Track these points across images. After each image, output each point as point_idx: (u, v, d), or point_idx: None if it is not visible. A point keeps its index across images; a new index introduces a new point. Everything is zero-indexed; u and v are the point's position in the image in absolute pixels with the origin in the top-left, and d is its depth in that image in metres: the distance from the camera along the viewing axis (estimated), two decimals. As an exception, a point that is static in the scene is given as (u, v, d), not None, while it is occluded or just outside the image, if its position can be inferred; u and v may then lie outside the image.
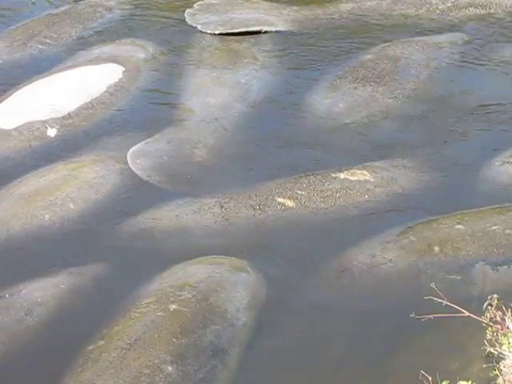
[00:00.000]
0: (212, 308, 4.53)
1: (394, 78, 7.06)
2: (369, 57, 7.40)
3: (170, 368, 4.09)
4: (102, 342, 4.30)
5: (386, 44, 7.65)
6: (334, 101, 6.82)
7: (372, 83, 6.96)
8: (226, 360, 4.29)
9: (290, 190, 5.61)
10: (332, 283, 4.94)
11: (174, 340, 4.24)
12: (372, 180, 5.69)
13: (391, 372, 4.16)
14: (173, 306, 4.46)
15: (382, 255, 5.05)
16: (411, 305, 4.29)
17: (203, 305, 4.53)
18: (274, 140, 6.37)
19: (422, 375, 3.49)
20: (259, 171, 5.97)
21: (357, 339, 4.51)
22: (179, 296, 4.56)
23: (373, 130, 6.52)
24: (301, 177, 5.75)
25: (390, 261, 5.01)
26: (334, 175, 5.73)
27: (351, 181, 5.67)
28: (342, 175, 5.72)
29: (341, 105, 6.76)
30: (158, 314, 4.42)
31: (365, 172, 5.75)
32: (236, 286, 4.80)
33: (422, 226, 5.27)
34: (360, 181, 5.68)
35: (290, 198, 5.52)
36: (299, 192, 5.58)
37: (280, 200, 5.50)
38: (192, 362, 4.16)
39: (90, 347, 4.28)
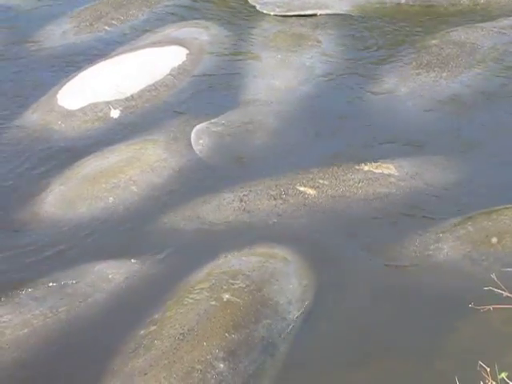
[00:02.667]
0: (264, 300, 4.48)
1: (459, 64, 6.93)
2: (434, 42, 7.28)
3: (221, 365, 4.06)
4: (154, 328, 4.29)
5: (452, 29, 7.50)
6: (395, 86, 6.71)
7: (436, 68, 6.84)
8: (275, 355, 4.25)
9: (319, 179, 5.51)
10: (384, 272, 4.89)
11: (227, 335, 4.19)
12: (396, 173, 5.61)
13: (448, 362, 4.12)
14: (226, 296, 4.42)
15: (438, 245, 4.98)
16: (468, 295, 4.22)
17: (256, 296, 4.48)
18: (335, 125, 6.33)
19: (480, 366, 3.46)
20: (315, 156, 5.89)
21: (411, 328, 4.46)
22: (232, 285, 4.52)
23: (430, 117, 6.39)
24: (338, 166, 5.65)
25: (446, 250, 4.93)
26: (361, 167, 5.61)
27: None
28: (367, 167, 5.62)
29: (403, 90, 6.66)
30: (211, 303, 4.39)
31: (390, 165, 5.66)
32: (289, 278, 4.74)
33: (480, 217, 5.15)
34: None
35: (312, 187, 5.44)
36: (323, 181, 5.50)
37: (302, 188, 5.43)
38: (243, 359, 4.13)
39: (142, 332, 4.29)
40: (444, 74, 6.79)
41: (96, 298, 4.63)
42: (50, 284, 4.68)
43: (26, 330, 4.36)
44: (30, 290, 4.64)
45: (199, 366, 4.02)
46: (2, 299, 4.56)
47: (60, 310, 4.51)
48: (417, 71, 6.86)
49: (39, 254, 5.04)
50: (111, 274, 4.79)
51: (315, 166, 5.68)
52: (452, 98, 6.58)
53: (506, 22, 7.67)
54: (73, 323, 4.47)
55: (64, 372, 4.24)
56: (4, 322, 4.40)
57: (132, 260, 4.94)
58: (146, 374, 3.99)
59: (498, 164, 5.78)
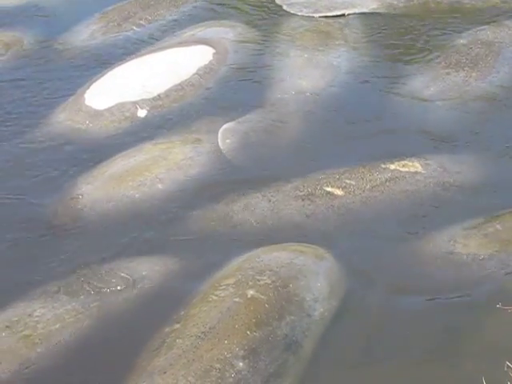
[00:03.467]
0: (290, 296, 4.44)
1: (488, 64, 6.89)
2: (461, 41, 7.24)
3: (241, 364, 4.03)
4: (178, 326, 4.29)
5: (480, 28, 7.47)
6: (424, 85, 6.70)
7: (466, 68, 6.80)
8: (298, 353, 4.21)
9: (345, 179, 5.51)
10: (412, 271, 4.85)
11: (248, 332, 4.17)
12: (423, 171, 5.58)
13: (474, 362, 4.09)
14: (250, 292, 4.39)
15: (465, 243, 4.95)
16: (495, 294, 4.27)
17: (281, 292, 4.44)
18: (361, 124, 6.29)
19: (508, 366, 3.46)
20: (342, 156, 5.88)
21: (437, 327, 4.44)
22: (258, 281, 4.49)
23: (459, 116, 6.35)
24: (364, 165, 5.64)
25: (473, 249, 4.90)
26: (388, 166, 5.61)
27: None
28: (393, 166, 5.62)
29: (432, 89, 6.64)
30: (235, 299, 4.36)
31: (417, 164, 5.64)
32: (316, 275, 4.72)
33: (508, 215, 5.11)
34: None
35: (339, 187, 5.44)
36: (350, 181, 5.49)
37: (329, 189, 5.43)
38: (264, 358, 4.09)
39: (167, 329, 4.30)
40: (474, 74, 6.74)
41: (127, 295, 4.65)
42: (82, 280, 4.72)
43: (57, 325, 4.40)
44: (62, 285, 4.68)
45: (218, 365, 4.00)
46: (36, 294, 4.61)
47: (91, 305, 4.54)
48: (446, 71, 6.82)
49: (69, 250, 5.09)
50: (144, 271, 4.81)
51: (342, 166, 5.66)
52: (481, 98, 6.53)
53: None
54: (103, 319, 4.50)
55: (90, 367, 4.26)
56: (37, 316, 4.44)
57: (161, 257, 4.96)
58: (165, 373, 3.99)
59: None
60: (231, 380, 3.97)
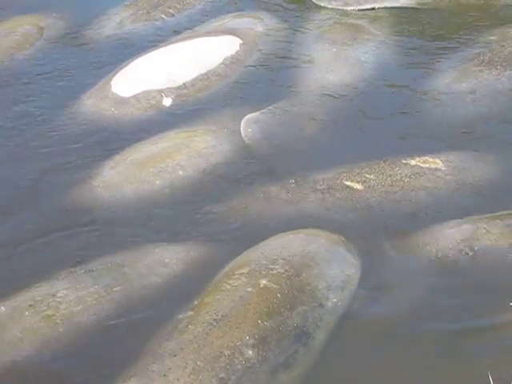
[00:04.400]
0: (302, 286, 4.43)
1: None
2: (493, 38, 7.19)
3: (250, 352, 4.05)
4: (192, 313, 4.32)
5: (509, 25, 7.42)
6: (455, 82, 6.67)
7: (498, 66, 6.76)
8: (309, 344, 4.20)
9: (366, 173, 5.52)
10: (426, 263, 4.84)
11: (259, 322, 4.18)
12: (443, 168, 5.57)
13: (478, 359, 4.10)
14: (263, 282, 4.40)
15: (487, 229, 4.92)
16: (505, 293, 4.30)
17: (294, 282, 4.43)
18: (386, 120, 6.30)
19: None
20: (363, 151, 5.87)
21: (449, 318, 4.43)
22: (271, 270, 4.49)
23: (488, 114, 6.31)
24: (385, 160, 5.64)
25: (489, 244, 4.85)
26: (408, 162, 5.61)
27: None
28: (414, 161, 5.61)
29: (463, 85, 6.60)
30: (248, 289, 4.37)
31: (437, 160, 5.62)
32: (330, 263, 4.71)
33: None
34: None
35: (359, 182, 5.43)
36: (369, 176, 5.49)
37: (349, 183, 5.44)
38: (273, 347, 4.10)
39: (180, 316, 4.33)
40: (506, 73, 6.69)
41: (147, 281, 4.71)
42: (106, 263, 4.78)
43: (79, 307, 4.46)
44: (86, 268, 4.75)
45: (227, 352, 4.02)
46: (60, 276, 4.68)
47: (114, 289, 4.60)
48: (479, 68, 6.76)
49: (92, 234, 5.17)
50: (166, 258, 4.84)
51: (362, 161, 5.66)
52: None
53: None
54: (123, 303, 4.54)
55: (107, 348, 4.35)
56: (60, 297, 4.50)
57: (182, 244, 4.99)
58: (175, 356, 4.04)
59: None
60: (239, 367, 4.00)
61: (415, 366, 4.19)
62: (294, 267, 4.55)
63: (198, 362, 3.99)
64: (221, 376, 3.96)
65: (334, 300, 4.46)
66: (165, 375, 3.97)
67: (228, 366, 3.99)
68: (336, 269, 4.69)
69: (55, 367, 4.24)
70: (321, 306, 4.40)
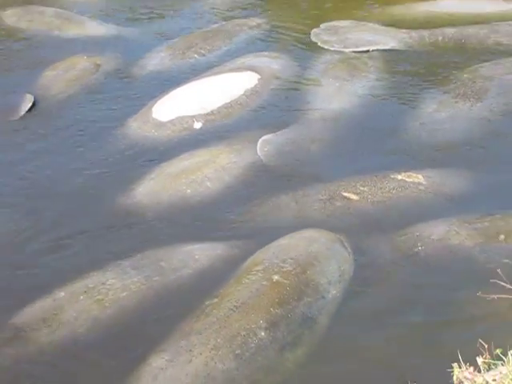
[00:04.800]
0: (307, 281, 4.45)
1: (489, 95, 6.81)
2: (466, 75, 7.15)
3: (262, 333, 4.07)
4: (216, 300, 4.34)
5: (481, 65, 7.39)
6: (436, 111, 6.63)
7: (471, 99, 6.73)
8: (313, 328, 4.22)
9: (360, 186, 5.49)
10: (408, 259, 4.82)
11: (271, 309, 4.20)
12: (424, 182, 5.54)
13: (451, 339, 4.07)
14: (275, 277, 4.43)
15: (457, 231, 4.93)
16: (476, 284, 4.16)
17: (300, 278, 4.45)
18: (378, 142, 6.25)
19: (480, 343, 3.41)
20: (359, 167, 5.86)
21: (426, 307, 4.42)
22: (282, 268, 4.51)
23: (463, 138, 6.28)
24: (376, 175, 5.61)
25: (463, 237, 4.89)
26: (395, 176, 5.59)
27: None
28: (400, 177, 5.59)
29: (442, 114, 6.57)
30: (263, 282, 4.39)
31: (419, 176, 5.60)
32: (329, 261, 4.70)
33: (496, 217, 5.08)
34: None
35: (355, 193, 5.42)
36: (363, 188, 5.47)
37: (346, 194, 5.43)
38: (282, 330, 4.12)
39: (207, 302, 4.34)
40: (477, 104, 6.67)
41: (180, 273, 4.70)
42: (147, 258, 4.80)
43: (124, 294, 4.49)
44: (130, 261, 4.76)
45: (243, 332, 4.05)
46: (109, 267, 4.70)
47: (153, 279, 4.61)
48: (455, 100, 6.74)
49: (134, 233, 5.19)
50: (197, 255, 4.84)
51: (358, 175, 5.64)
52: (483, 124, 6.45)
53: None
54: (160, 291, 4.56)
55: (146, 327, 4.36)
56: (108, 284, 4.54)
57: (209, 244, 4.98)
58: (200, 334, 4.07)
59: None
60: (253, 345, 4.02)
61: (397, 345, 4.18)
62: (300, 265, 4.57)
63: (219, 340, 4.02)
64: (237, 352, 3.98)
65: (334, 292, 4.47)
66: (190, 350, 4.00)
67: (243, 344, 4.01)
68: (334, 265, 4.68)
69: (103, 342, 4.26)
70: (323, 297, 4.42)
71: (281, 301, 4.27)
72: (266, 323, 4.13)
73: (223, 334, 4.07)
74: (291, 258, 4.61)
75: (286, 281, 4.41)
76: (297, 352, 4.10)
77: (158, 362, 3.98)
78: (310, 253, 4.72)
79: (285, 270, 4.50)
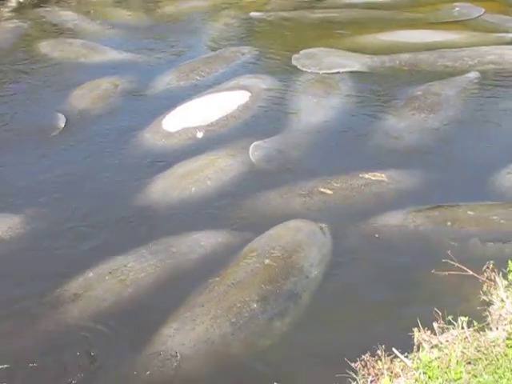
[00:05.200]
0: (293, 264, 4.44)
1: (438, 108, 6.79)
2: (419, 92, 7.13)
3: (255, 305, 4.08)
4: (217, 279, 4.34)
5: (431, 83, 7.38)
6: (396, 122, 6.61)
7: (425, 111, 6.71)
8: (297, 302, 4.21)
9: (334, 183, 5.50)
10: (374, 242, 4.83)
11: (263, 286, 4.20)
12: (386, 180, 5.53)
13: (412, 308, 4.07)
14: (267, 261, 4.43)
15: (413, 220, 4.94)
16: (428, 262, 4.20)
17: (287, 261, 4.45)
18: (349, 147, 6.26)
19: (435, 312, 3.43)
20: (333, 168, 5.83)
21: (389, 284, 4.42)
22: (272, 253, 4.51)
23: (418, 143, 6.27)
24: (347, 174, 5.59)
25: (418, 224, 4.90)
26: (363, 175, 5.59)
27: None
28: (367, 175, 5.58)
29: (402, 125, 6.55)
30: (256, 265, 4.39)
31: (383, 175, 5.59)
32: (312, 247, 4.67)
33: (444, 207, 5.09)
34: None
35: (330, 189, 5.40)
36: (337, 185, 5.47)
37: (322, 189, 5.39)
38: (271, 303, 4.12)
39: (210, 280, 4.34)
40: (430, 115, 6.66)
41: (188, 257, 4.69)
42: (160, 244, 4.77)
43: (142, 274, 4.48)
44: (147, 247, 4.74)
45: (239, 304, 4.06)
46: (129, 252, 4.68)
47: (166, 262, 4.60)
48: (412, 112, 6.72)
49: (150, 223, 5.17)
50: (202, 242, 4.81)
51: (332, 174, 5.63)
52: (435, 132, 6.44)
53: (464, 78, 7.55)
54: (172, 272, 4.55)
55: (160, 301, 4.36)
56: (129, 267, 4.53)
57: (211, 232, 4.95)
58: (203, 306, 4.09)
59: (461, 174, 5.72)
60: (246, 314, 4.03)
61: (368, 315, 4.17)
62: (287, 251, 4.56)
63: (218, 311, 4.03)
64: (233, 320, 3.99)
65: (316, 273, 4.46)
66: (194, 320, 4.01)
67: (238, 314, 4.02)
68: (316, 251, 4.65)
69: (123, 313, 4.26)
70: (306, 277, 4.40)
71: (271, 280, 4.26)
72: (258, 297, 4.12)
73: (222, 305, 4.07)
74: (280, 246, 4.60)
75: (275, 264, 4.40)
76: (284, 321, 4.09)
77: (166, 330, 3.99)
78: (295, 241, 4.70)
79: (274, 255, 4.49)
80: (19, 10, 10.90)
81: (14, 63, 8.53)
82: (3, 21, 10.22)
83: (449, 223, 4.88)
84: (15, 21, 10.14)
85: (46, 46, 8.98)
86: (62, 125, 6.68)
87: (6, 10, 10.95)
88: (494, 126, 6.67)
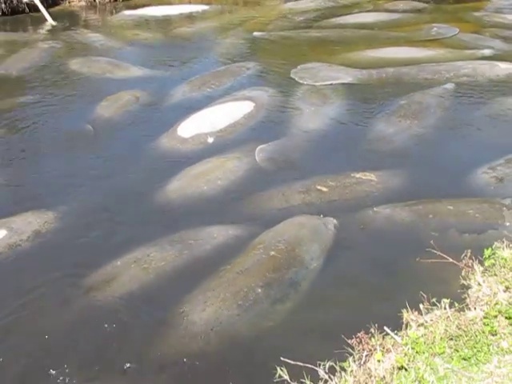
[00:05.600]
0: (295, 256, 4.39)
1: (422, 115, 6.76)
2: (403, 102, 7.11)
3: (259, 290, 4.05)
4: (228, 267, 4.32)
5: (413, 93, 7.35)
6: (385, 128, 6.56)
7: (409, 118, 6.67)
8: (297, 289, 4.16)
9: (329, 181, 5.44)
10: (364, 233, 4.79)
11: (267, 274, 4.17)
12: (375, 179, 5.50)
13: (400, 292, 4.02)
14: (272, 252, 4.38)
15: (400, 213, 4.90)
16: (415, 251, 4.14)
17: (290, 253, 4.40)
18: (343, 150, 6.21)
19: (421, 295, 3.38)
20: (328, 168, 5.80)
21: (379, 269, 4.36)
22: (277, 246, 4.45)
23: (405, 146, 6.23)
24: (340, 174, 5.55)
25: (404, 217, 4.85)
26: (354, 175, 5.56)
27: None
28: (358, 175, 5.55)
29: (390, 130, 6.51)
30: (263, 256, 4.35)
31: (372, 174, 5.56)
32: (313, 242, 4.58)
33: (427, 202, 5.04)
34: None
35: (325, 186, 5.37)
36: (332, 183, 5.42)
37: (319, 187, 5.35)
38: (274, 289, 4.08)
39: (221, 268, 4.32)
40: (414, 122, 6.62)
41: (203, 247, 4.64)
42: (178, 236, 4.73)
43: (163, 263, 4.45)
44: (166, 239, 4.70)
45: (245, 289, 4.04)
46: (151, 243, 4.62)
47: (183, 252, 4.57)
48: (398, 119, 6.68)
49: (168, 218, 5.11)
50: (215, 234, 4.78)
51: (327, 174, 5.60)
52: (418, 136, 6.40)
53: (442, 89, 7.49)
54: (188, 260, 4.51)
55: (177, 286, 4.32)
56: (152, 256, 4.50)
57: (223, 226, 4.89)
58: (214, 290, 4.07)
59: (441, 173, 5.65)
60: (251, 298, 4.00)
61: (362, 298, 4.13)
62: (290, 244, 4.51)
63: (227, 294, 4.00)
64: (239, 303, 3.96)
65: (315, 264, 4.40)
66: (205, 302, 4.00)
67: (244, 298, 3.99)
68: (316, 244, 4.58)
69: (146, 297, 4.23)
70: (306, 268, 4.35)
71: (275, 269, 4.23)
72: (263, 283, 4.09)
73: (230, 290, 4.05)
74: (284, 239, 4.54)
75: (279, 255, 4.36)
76: (285, 305, 4.05)
77: (181, 310, 3.97)
78: (298, 235, 4.64)
79: (279, 247, 4.44)
80: (52, 32, 10.95)
81: (48, 78, 8.52)
82: (39, 42, 10.21)
83: (431, 216, 4.84)
84: (49, 42, 10.13)
85: (75, 63, 8.98)
86: (90, 132, 6.67)
87: (42, 32, 10.97)
88: (469, 130, 6.65)
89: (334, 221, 4.84)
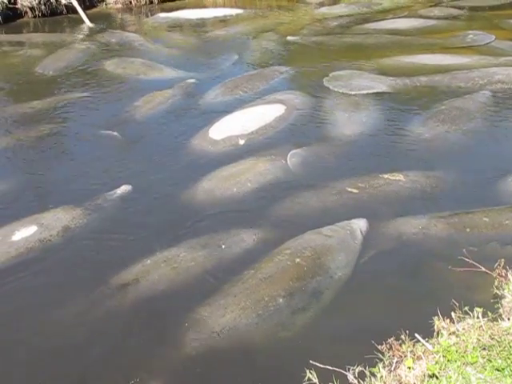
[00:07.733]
0: (320, 265, 4.33)
1: (461, 120, 6.67)
2: (443, 107, 7.03)
3: (280, 300, 4.00)
4: (252, 272, 4.28)
5: (452, 99, 7.28)
6: (423, 132, 6.50)
7: (448, 123, 6.60)
8: (320, 299, 4.10)
9: (360, 183, 5.43)
10: (399, 239, 4.70)
11: (291, 283, 4.11)
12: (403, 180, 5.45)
13: (432, 300, 3.94)
14: (297, 260, 4.33)
15: (435, 224, 4.79)
16: (448, 260, 4.09)
17: (316, 262, 4.35)
18: (376, 154, 6.18)
19: (453, 303, 3.33)
20: (359, 170, 5.77)
21: (412, 278, 4.32)
22: (303, 253, 4.40)
23: (442, 151, 6.17)
24: (370, 175, 5.52)
25: (435, 230, 4.76)
26: (384, 176, 5.53)
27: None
28: (389, 176, 5.51)
29: (427, 135, 6.43)
30: (288, 262, 4.30)
31: (401, 175, 5.52)
32: (339, 252, 4.51)
33: (462, 214, 4.94)
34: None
35: (356, 188, 5.35)
36: (361, 185, 5.37)
37: (349, 189, 5.34)
38: (296, 299, 4.03)
39: (245, 272, 4.30)
40: (453, 127, 6.55)
41: (229, 251, 4.64)
42: (207, 239, 4.74)
43: (192, 263, 4.47)
44: (197, 240, 4.72)
45: (266, 298, 4.01)
46: (181, 245, 4.66)
47: (213, 253, 4.58)
48: (436, 124, 6.61)
49: (196, 219, 5.12)
50: (243, 237, 4.76)
51: (357, 176, 5.57)
52: (456, 142, 6.32)
53: (480, 95, 7.40)
54: (215, 263, 4.53)
55: (202, 287, 4.33)
56: (181, 257, 4.53)
57: (250, 229, 4.86)
58: (235, 296, 4.04)
59: (476, 180, 5.55)
60: (272, 308, 3.96)
61: (393, 307, 4.09)
62: (317, 253, 4.45)
63: (248, 302, 3.97)
64: (259, 312, 3.92)
65: (340, 274, 4.33)
66: (225, 307, 3.98)
67: (265, 307, 3.95)
68: (343, 255, 4.50)
69: (174, 296, 4.26)
70: (331, 277, 4.28)
71: (298, 277, 4.18)
72: (285, 292, 4.05)
73: (251, 297, 4.02)
74: (311, 248, 4.48)
75: (304, 263, 4.30)
76: (305, 315, 4.00)
77: (201, 313, 3.97)
78: (325, 245, 4.55)
79: (305, 255, 4.38)
80: (89, 33, 11.15)
81: (83, 78, 8.67)
82: (76, 42, 10.42)
83: (468, 230, 4.72)
84: (86, 43, 10.32)
85: (110, 64, 9.12)
86: (123, 132, 6.73)
87: (79, 33, 11.19)
88: (505, 137, 6.53)
89: (364, 225, 4.78)
